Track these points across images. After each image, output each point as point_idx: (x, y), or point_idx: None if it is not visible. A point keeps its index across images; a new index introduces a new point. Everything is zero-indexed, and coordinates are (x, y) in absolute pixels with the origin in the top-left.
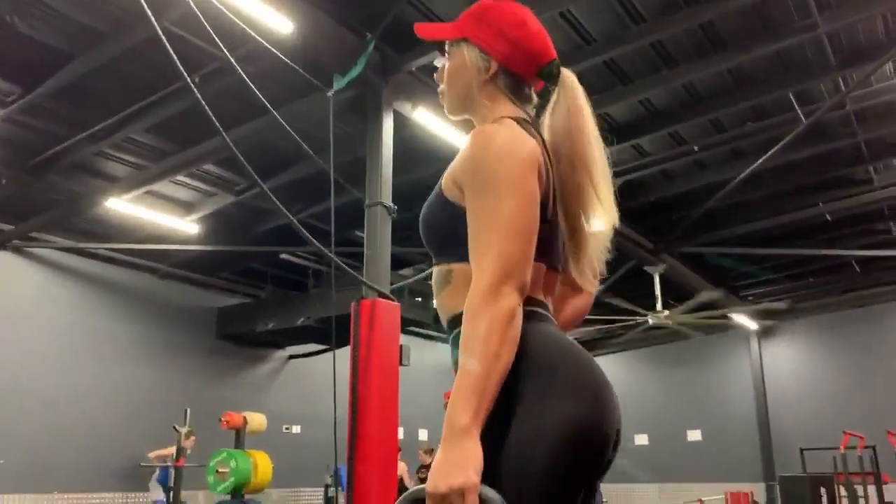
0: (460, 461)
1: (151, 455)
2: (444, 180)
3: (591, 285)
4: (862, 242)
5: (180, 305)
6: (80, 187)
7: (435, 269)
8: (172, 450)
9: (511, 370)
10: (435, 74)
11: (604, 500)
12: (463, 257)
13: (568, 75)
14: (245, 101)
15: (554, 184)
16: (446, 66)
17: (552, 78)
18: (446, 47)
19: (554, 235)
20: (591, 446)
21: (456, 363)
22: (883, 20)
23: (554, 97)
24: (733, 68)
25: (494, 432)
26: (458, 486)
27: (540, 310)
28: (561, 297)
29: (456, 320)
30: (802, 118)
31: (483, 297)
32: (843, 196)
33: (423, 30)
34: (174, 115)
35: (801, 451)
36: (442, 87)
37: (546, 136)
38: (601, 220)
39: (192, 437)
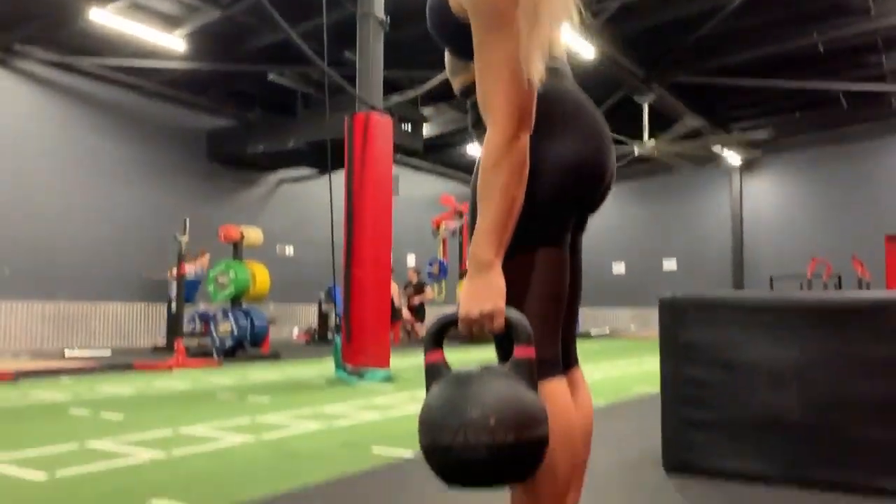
0: (488, 290)
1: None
2: None
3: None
4: (853, 75)
5: (170, 126)
6: None
7: (448, 58)
8: (191, 267)
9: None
10: None
11: (578, 319)
12: (467, 57)
13: None
14: None
15: None
16: None
17: None
18: None
19: None
20: (588, 178)
21: (475, 123)
22: None
23: None
24: None
25: None
26: (487, 311)
27: (558, 66)
28: None
29: (468, 90)
30: None
31: (499, 150)
32: (839, 25)
33: None
34: None
35: (771, 278)
36: None
37: None
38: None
39: (207, 255)
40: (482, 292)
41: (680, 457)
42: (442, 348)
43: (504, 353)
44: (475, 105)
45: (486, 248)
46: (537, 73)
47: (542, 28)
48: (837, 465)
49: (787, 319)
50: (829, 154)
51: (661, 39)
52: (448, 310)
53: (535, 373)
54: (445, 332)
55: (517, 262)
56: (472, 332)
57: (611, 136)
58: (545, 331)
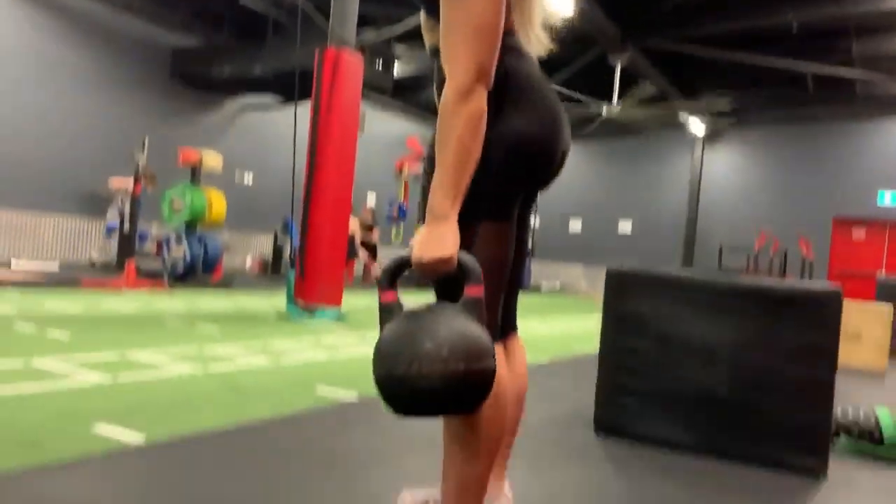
0: (442, 239)
1: (114, 185)
2: None
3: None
4: (822, 59)
5: (134, 39)
6: None
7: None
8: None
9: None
10: None
11: (531, 273)
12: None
13: None
14: None
15: None
16: None
17: None
18: None
19: None
20: (540, 157)
21: (440, 83)
22: None
23: None
24: None
25: None
26: (439, 256)
27: (520, 48)
28: None
29: (437, 50)
30: None
31: (456, 101)
32: (814, 7)
33: None
34: None
35: (721, 248)
36: None
37: None
38: None
39: (155, 180)
40: (437, 240)
41: (610, 420)
42: (396, 289)
43: (443, 297)
44: (441, 68)
45: (443, 200)
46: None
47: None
48: (753, 440)
49: (726, 301)
50: (790, 133)
51: (640, 2)
52: (404, 252)
53: (484, 311)
54: (399, 273)
55: (464, 233)
56: (426, 275)
57: (566, 118)
58: (487, 301)
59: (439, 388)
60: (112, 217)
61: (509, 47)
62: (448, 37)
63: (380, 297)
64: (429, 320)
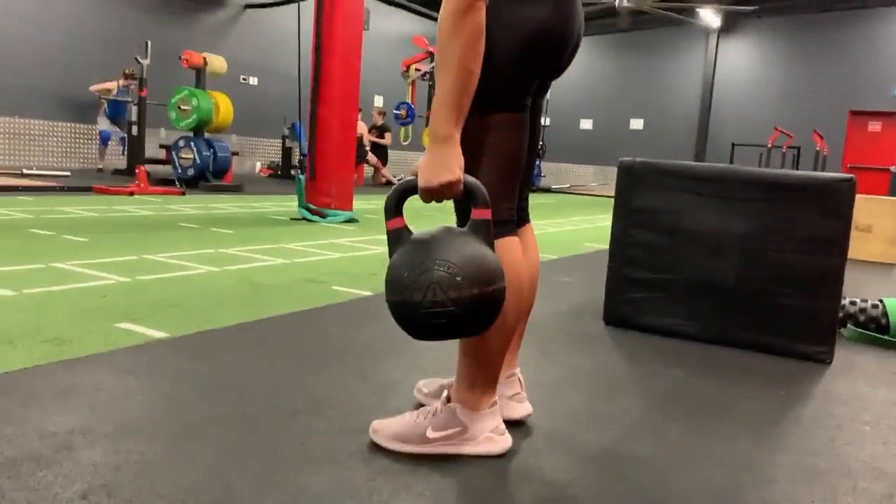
0: (447, 162)
1: (93, 88)
2: None
3: None
4: None
5: None
6: None
7: None
8: (113, 84)
9: None
10: None
11: (542, 174)
12: None
13: None
14: None
15: None
16: None
17: None
18: None
19: None
20: (552, 44)
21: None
22: None
23: None
24: None
25: None
26: (446, 180)
27: None
28: None
29: None
30: None
31: (454, 17)
32: None
33: None
34: None
35: (733, 145)
36: None
37: None
38: None
39: (135, 81)
40: (441, 163)
41: (619, 311)
42: (402, 214)
43: (463, 215)
44: None
45: (444, 122)
46: None
47: None
48: (760, 329)
49: (736, 192)
50: (809, 23)
51: None
52: (413, 155)
53: (492, 233)
54: (405, 198)
55: (479, 123)
56: (433, 199)
57: (580, 3)
58: (503, 193)
59: (454, 313)
60: (103, 124)
61: None
62: None
63: (387, 224)
64: (439, 246)
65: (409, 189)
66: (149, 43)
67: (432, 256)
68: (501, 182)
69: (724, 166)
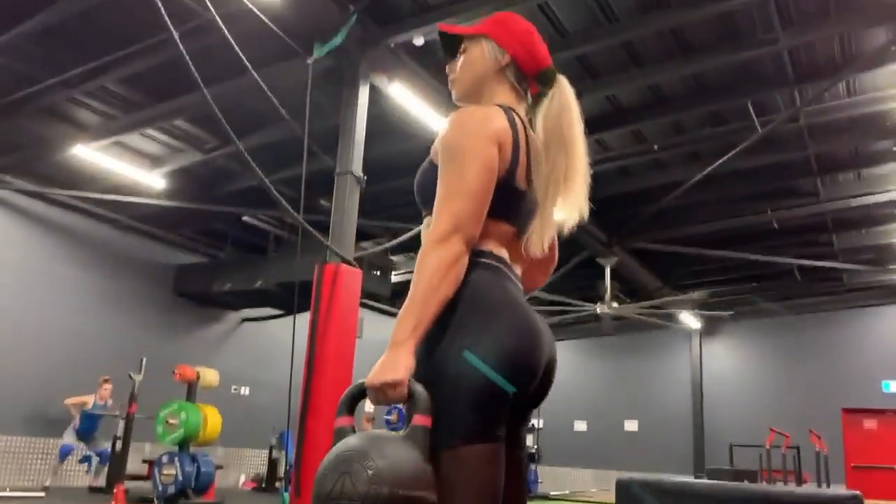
0: (395, 364)
1: (68, 401)
2: (433, 148)
3: (541, 271)
4: (805, 252)
5: (139, 259)
6: (48, 132)
7: (425, 219)
8: (89, 398)
9: (462, 308)
10: (447, 67)
11: (539, 480)
12: None
13: (563, 79)
14: (217, 63)
15: (529, 158)
16: (462, 58)
17: (549, 81)
18: (464, 44)
19: (524, 205)
20: (520, 373)
21: None
22: (840, 40)
23: (549, 96)
24: (697, 74)
25: (439, 355)
26: (389, 380)
27: (501, 267)
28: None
29: None
30: (758, 127)
31: (434, 243)
32: (790, 206)
33: (448, 28)
34: (149, 68)
35: (731, 446)
36: (454, 76)
37: (539, 125)
38: (569, 204)
39: (108, 385)
40: (390, 365)
41: None
42: (352, 415)
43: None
44: None
45: (403, 328)
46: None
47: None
48: None
49: None
50: (785, 324)
51: (624, 207)
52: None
53: (429, 440)
54: (358, 400)
55: (450, 456)
56: (378, 400)
57: (550, 334)
58: None
59: None
60: (68, 438)
61: (500, 271)
62: (439, 194)
63: (335, 423)
64: (368, 444)
65: (361, 391)
66: (143, 359)
67: (357, 451)
68: None
69: (725, 484)
